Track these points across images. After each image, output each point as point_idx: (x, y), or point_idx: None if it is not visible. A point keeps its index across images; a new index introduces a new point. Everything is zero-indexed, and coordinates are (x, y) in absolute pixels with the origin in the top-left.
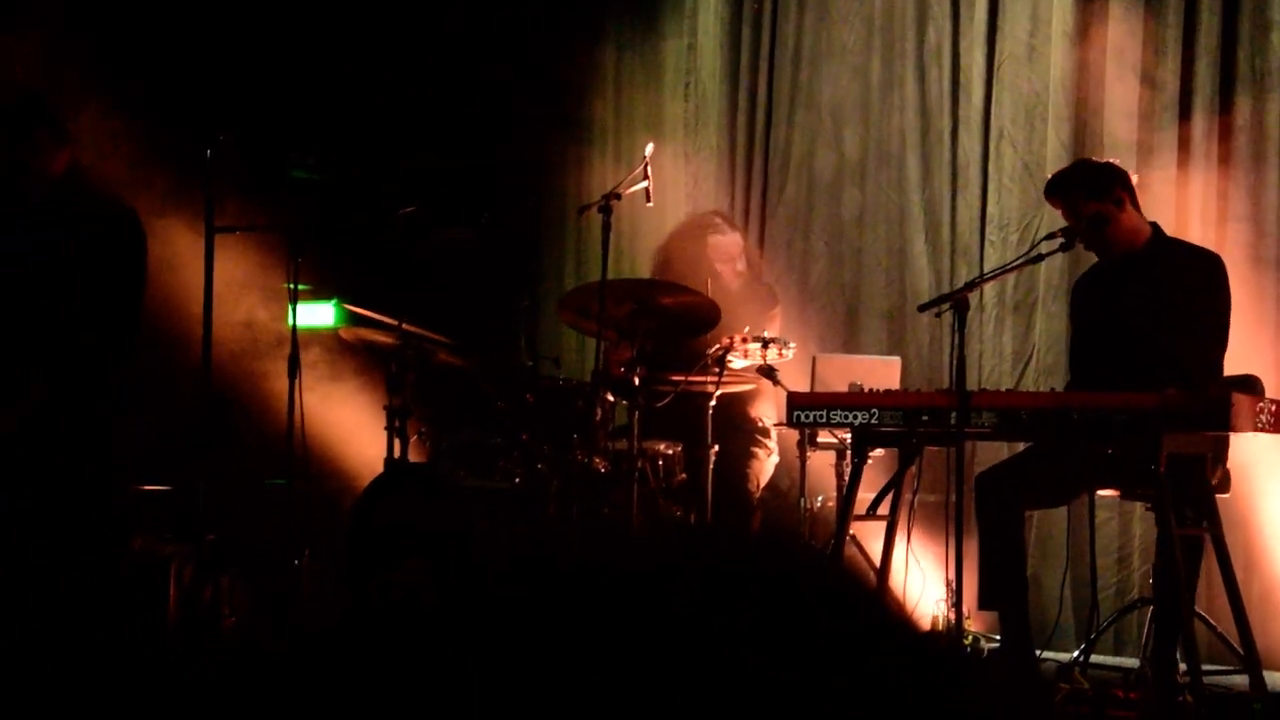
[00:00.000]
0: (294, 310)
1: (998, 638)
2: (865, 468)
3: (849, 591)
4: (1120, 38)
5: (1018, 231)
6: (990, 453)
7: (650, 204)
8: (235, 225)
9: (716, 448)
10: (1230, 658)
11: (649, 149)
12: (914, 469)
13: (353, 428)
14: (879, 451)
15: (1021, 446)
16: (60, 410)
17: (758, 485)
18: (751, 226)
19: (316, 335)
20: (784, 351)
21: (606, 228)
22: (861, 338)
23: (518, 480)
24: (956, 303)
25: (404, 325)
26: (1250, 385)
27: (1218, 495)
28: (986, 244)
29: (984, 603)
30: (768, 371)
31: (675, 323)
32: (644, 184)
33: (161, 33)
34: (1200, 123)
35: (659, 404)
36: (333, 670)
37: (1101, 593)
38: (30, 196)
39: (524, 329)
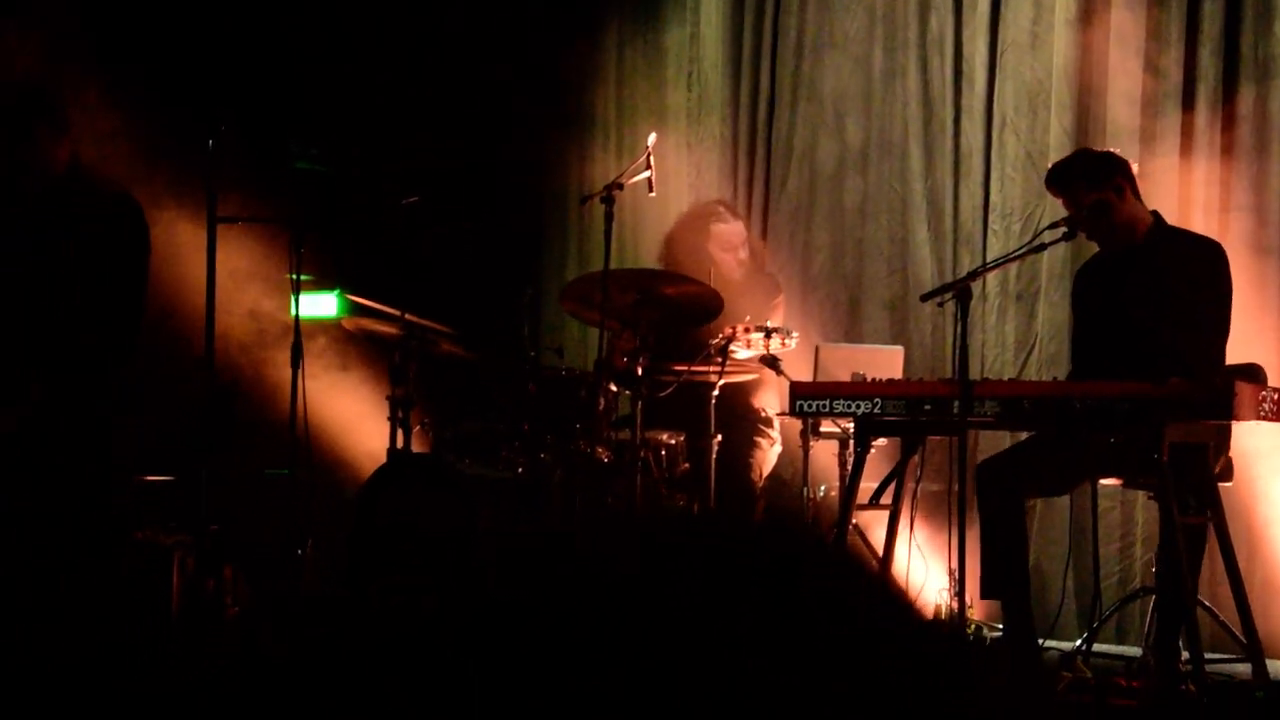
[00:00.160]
0: (297, 300)
1: (1000, 627)
2: (868, 457)
3: (853, 581)
4: (1123, 25)
5: (1020, 220)
6: (993, 442)
7: (653, 194)
8: (238, 216)
9: (719, 437)
10: (1233, 646)
11: (651, 139)
12: (917, 458)
13: (356, 418)
14: (882, 441)
15: (1023, 436)
16: (60, 410)
17: (760, 475)
18: (754, 216)
19: (320, 325)
20: (787, 341)
21: (609, 218)
22: (864, 327)
23: (521, 470)
24: (959, 292)
25: (407, 315)
26: (1252, 374)
27: (1220, 484)
28: (989, 233)
29: (986, 592)
30: (770, 361)
31: (678, 312)
32: (646, 174)
33: (163, 24)
34: (1203, 111)
35: (662, 394)
36: (333, 671)
37: (1104, 581)
38: (31, 193)
39: (527, 319)
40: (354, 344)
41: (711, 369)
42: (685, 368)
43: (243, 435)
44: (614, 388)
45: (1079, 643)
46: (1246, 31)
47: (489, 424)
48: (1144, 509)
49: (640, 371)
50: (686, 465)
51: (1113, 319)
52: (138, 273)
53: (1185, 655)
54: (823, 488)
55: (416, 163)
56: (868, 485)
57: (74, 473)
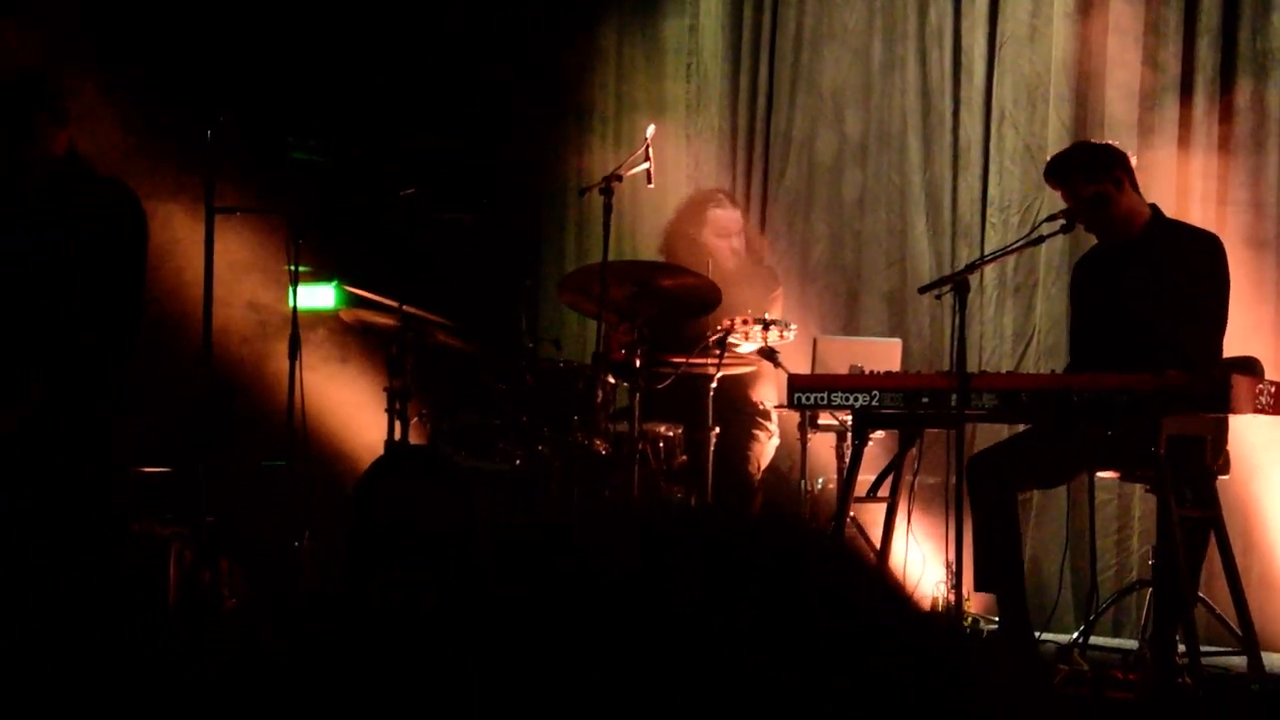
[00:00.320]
0: (294, 292)
1: (997, 619)
2: (866, 449)
3: (851, 575)
4: (1121, 17)
5: (1019, 213)
6: (990, 435)
7: (651, 185)
8: (235, 207)
9: (717, 430)
10: (1229, 639)
11: (650, 130)
12: (914, 451)
13: (354, 410)
14: (879, 434)
15: (1020, 428)
16: (60, 410)
17: (758, 467)
18: (753, 208)
19: (319, 317)
20: (785, 333)
21: (608, 209)
22: (862, 319)
23: (518, 463)
24: (957, 284)
25: (404, 307)
26: (1250, 367)
27: (1217, 477)
28: (987, 225)
29: (980, 584)
30: (769, 353)
31: (676, 305)
32: (645, 165)
33: (162, 17)
34: (1201, 103)
35: (660, 386)
36: (333, 669)
37: (1101, 574)
38: (30, 186)
39: (525, 311)
40: (353, 336)
41: (709, 361)
42: (683, 360)
43: (241, 428)
44: (612, 380)
45: (1075, 635)
46: (1245, 24)
47: (486, 416)
48: (1141, 501)
49: (638, 364)
50: (684, 458)
51: (1111, 311)
52: (137, 268)
53: (1181, 648)
54: (820, 480)
55: (415, 154)
56: (865, 478)
57: (74, 472)
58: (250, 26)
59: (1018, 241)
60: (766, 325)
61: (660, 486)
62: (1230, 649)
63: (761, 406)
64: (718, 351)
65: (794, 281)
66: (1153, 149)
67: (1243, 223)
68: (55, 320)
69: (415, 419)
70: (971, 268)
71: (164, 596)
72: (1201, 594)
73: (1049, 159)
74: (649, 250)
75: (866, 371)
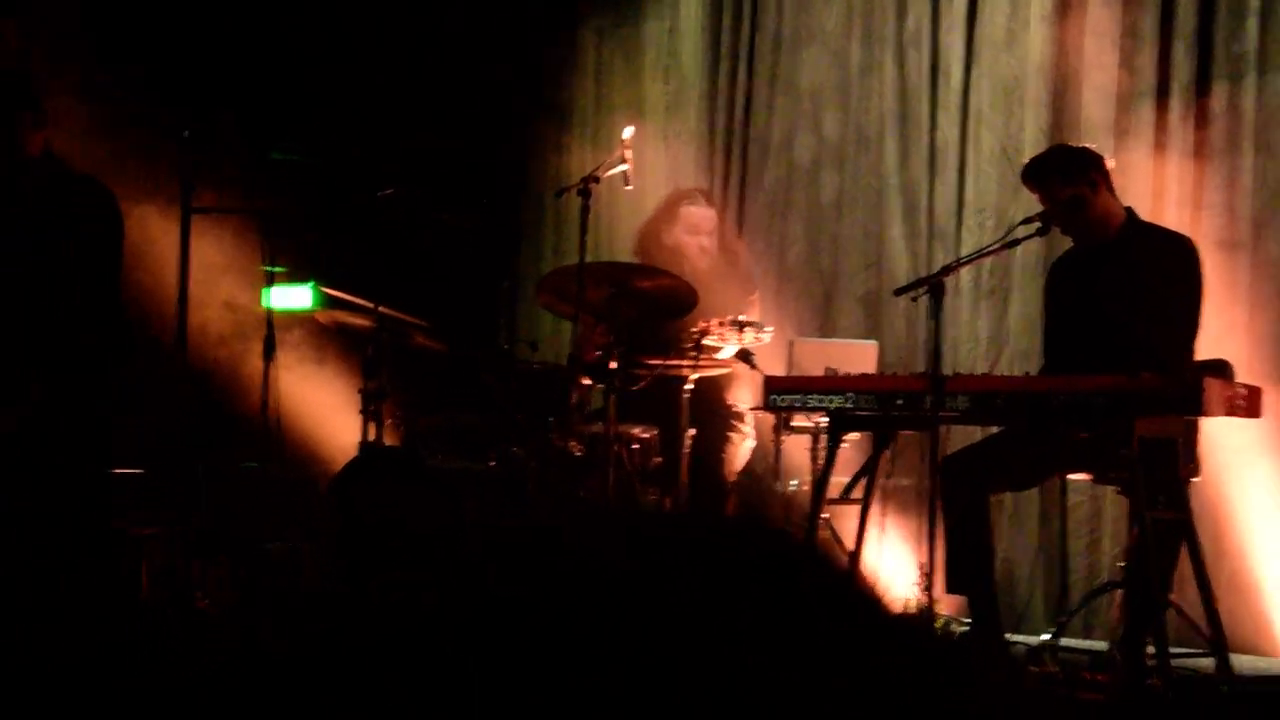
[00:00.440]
0: (270, 293)
1: (969, 621)
2: (840, 451)
3: (823, 576)
4: (1098, 22)
5: (994, 216)
6: (964, 437)
7: (629, 187)
8: (212, 207)
9: (693, 432)
10: (1198, 641)
11: (628, 132)
12: (889, 453)
13: (330, 411)
14: (854, 435)
15: (993, 430)
16: (60, 410)
17: (733, 469)
18: (730, 210)
19: (296, 318)
20: (761, 335)
21: (585, 211)
22: (838, 321)
23: (493, 464)
24: (933, 287)
25: (380, 308)
26: (1221, 369)
27: (1189, 480)
28: (963, 228)
29: (951, 587)
30: (744, 355)
31: (652, 306)
32: (623, 167)
33: (141, 16)
34: (1177, 107)
35: (635, 388)
36: (331, 669)
37: (1072, 576)
38: (14, 187)
39: (502, 312)
40: (331, 336)
41: (685, 363)
42: (659, 362)
43: (218, 428)
44: (587, 381)
45: (1046, 637)
46: (1220, 29)
47: (462, 417)
48: (1113, 504)
49: (613, 365)
50: (659, 460)
51: (1086, 314)
52: (118, 266)
53: (1151, 650)
54: (795, 482)
55: (393, 155)
56: (839, 479)
57: (73, 473)
58: (223, 28)
59: (993, 244)
60: (742, 327)
61: (635, 488)
62: (1199, 651)
63: (737, 408)
64: (693, 353)
65: (770, 283)
66: (1128, 152)
67: (1216, 226)
68: (55, 320)
69: (390, 420)
70: (947, 270)
71: (137, 596)
72: (1171, 596)
73: (1026, 162)
74: (626, 252)
75: (841, 373)
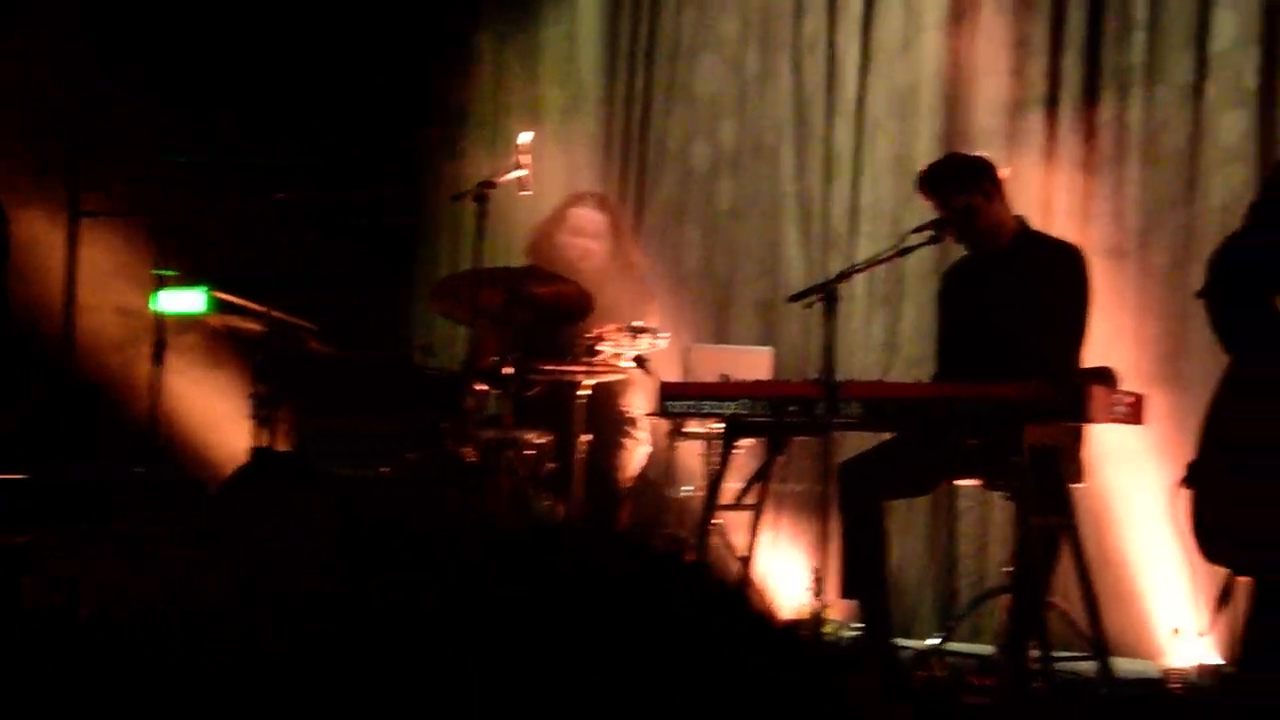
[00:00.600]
0: (160, 297)
1: (859, 626)
2: (734, 457)
3: (712, 583)
4: (991, 32)
5: (889, 223)
6: (858, 443)
7: (526, 193)
8: (102, 210)
9: (587, 437)
10: (1081, 644)
11: (525, 137)
12: (782, 459)
13: (222, 416)
14: (748, 441)
15: (887, 436)
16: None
17: (627, 475)
18: (626, 216)
19: (190, 322)
20: (656, 342)
21: (481, 216)
22: (733, 328)
23: (386, 469)
24: (827, 294)
25: (273, 312)
26: (1106, 377)
27: (1074, 486)
28: (858, 235)
29: (846, 592)
30: (639, 361)
31: (548, 312)
32: (520, 172)
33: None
34: (1066, 118)
35: (530, 393)
36: (331, 669)
37: (960, 581)
38: None
39: (396, 316)
40: (224, 341)
41: (580, 369)
42: (554, 367)
43: (106, 434)
44: (481, 387)
45: (935, 641)
46: (1108, 42)
47: (355, 422)
48: (1001, 510)
49: (508, 371)
50: (554, 465)
51: (978, 322)
52: (3, 270)
53: (1036, 654)
54: (688, 488)
55: (288, 158)
56: (733, 485)
57: None
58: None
59: (887, 252)
60: (638, 333)
61: (529, 494)
62: (1082, 654)
63: (631, 414)
64: (589, 359)
65: (667, 290)
66: (1019, 161)
67: (1104, 235)
68: None
69: (282, 425)
70: (841, 277)
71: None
72: (1056, 600)
73: (921, 170)
74: (522, 257)
75: (736, 380)
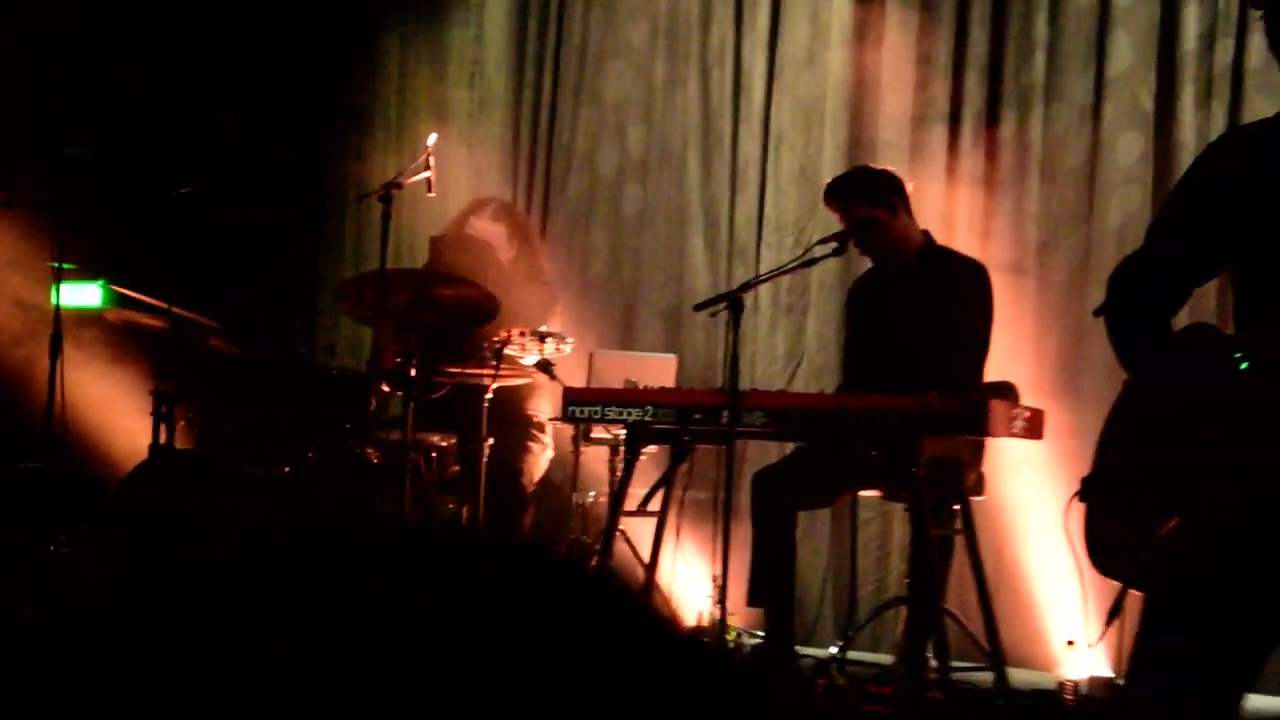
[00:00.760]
0: (58, 290)
1: (760, 633)
2: (638, 464)
3: (616, 589)
4: (896, 48)
5: (793, 234)
6: (761, 451)
7: (432, 194)
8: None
9: (491, 440)
10: (978, 655)
11: (432, 139)
12: (685, 466)
13: (120, 413)
14: (652, 448)
15: (791, 446)
16: None
17: (531, 479)
18: (533, 221)
19: (91, 316)
20: (561, 346)
21: (386, 217)
22: (639, 335)
23: (288, 469)
24: (732, 303)
25: (174, 309)
26: (1006, 391)
27: (972, 498)
28: (763, 245)
29: (753, 600)
30: (544, 366)
31: (453, 314)
32: (426, 174)
33: None
34: (968, 135)
35: (434, 395)
36: (332, 669)
37: (861, 591)
38: None
39: (299, 316)
40: (126, 337)
41: (485, 372)
42: (459, 370)
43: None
44: (385, 388)
45: (835, 650)
46: (1010, 61)
47: (257, 421)
48: (901, 521)
49: (412, 372)
50: (457, 468)
51: (884, 335)
52: None
53: (934, 663)
54: (592, 493)
55: (192, 153)
56: (637, 491)
57: None
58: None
59: (791, 262)
60: (543, 338)
61: (432, 497)
62: (979, 665)
63: (536, 419)
64: (494, 362)
65: (572, 294)
66: (921, 176)
67: (1004, 251)
68: None
69: (183, 423)
70: (746, 287)
71: None
72: (955, 611)
73: (829, 182)
74: (427, 258)
75: (641, 386)
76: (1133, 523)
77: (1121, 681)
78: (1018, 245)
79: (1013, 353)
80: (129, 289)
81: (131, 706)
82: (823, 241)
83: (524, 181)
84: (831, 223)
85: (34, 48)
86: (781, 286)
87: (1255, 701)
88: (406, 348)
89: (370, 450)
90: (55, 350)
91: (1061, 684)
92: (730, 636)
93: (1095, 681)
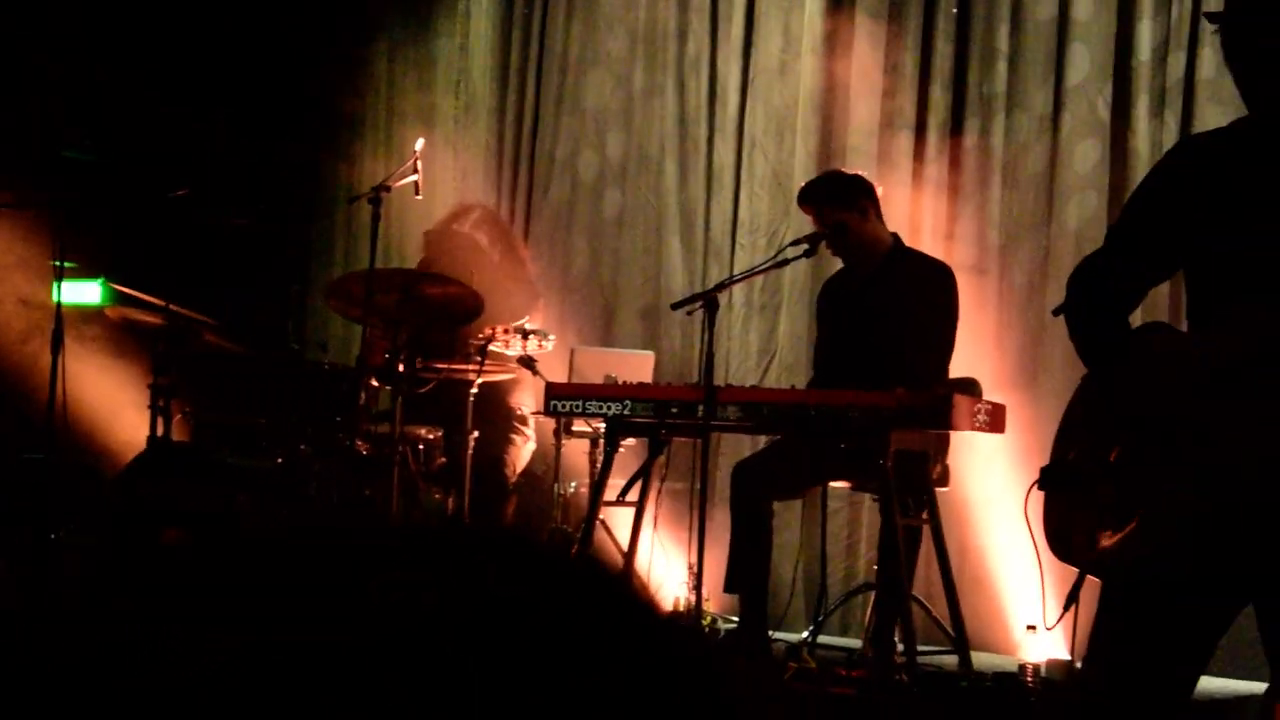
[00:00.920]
0: (59, 287)
1: (734, 619)
2: (617, 456)
3: (597, 572)
4: (863, 58)
5: (766, 236)
6: (735, 444)
7: (419, 197)
8: (1, 204)
9: (476, 434)
10: (943, 639)
11: (419, 143)
12: (663, 458)
13: (120, 406)
14: (630, 441)
15: (764, 439)
16: None
17: (514, 471)
18: (517, 223)
19: (93, 313)
20: (544, 343)
21: (376, 218)
22: (618, 332)
23: (280, 461)
24: (707, 302)
25: (171, 306)
26: (969, 387)
27: (938, 489)
28: (737, 247)
29: (730, 586)
30: (527, 362)
31: (440, 312)
32: (414, 177)
33: None
34: (934, 142)
35: (422, 390)
36: (332, 669)
37: (830, 578)
38: None
39: (292, 314)
40: (125, 333)
41: (470, 367)
42: (445, 365)
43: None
44: (374, 383)
45: (805, 635)
46: (973, 71)
47: (250, 415)
48: (869, 510)
49: (401, 368)
50: (443, 460)
51: (853, 333)
52: None
53: (900, 647)
54: (573, 484)
55: (189, 156)
56: (616, 482)
57: None
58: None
59: (765, 263)
60: (526, 334)
61: (419, 488)
62: (944, 648)
63: (519, 412)
64: (479, 358)
65: (554, 294)
66: (887, 181)
67: (966, 254)
68: None
69: (179, 416)
70: (721, 286)
71: None
72: (920, 597)
73: (803, 185)
74: (415, 259)
75: (620, 382)
76: (1091, 513)
77: (1078, 664)
78: (980, 248)
79: (975, 350)
80: (128, 287)
81: (131, 706)
82: (795, 243)
83: (508, 185)
84: (803, 225)
85: (34, 48)
86: (755, 286)
87: (1204, 684)
88: (395, 344)
89: (360, 443)
90: (56, 346)
91: (1022, 666)
92: (706, 621)
93: (1054, 664)
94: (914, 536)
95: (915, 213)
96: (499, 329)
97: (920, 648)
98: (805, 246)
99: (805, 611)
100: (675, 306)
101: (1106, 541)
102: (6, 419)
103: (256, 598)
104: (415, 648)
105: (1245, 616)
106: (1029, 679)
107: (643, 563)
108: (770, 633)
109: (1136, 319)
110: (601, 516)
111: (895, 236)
